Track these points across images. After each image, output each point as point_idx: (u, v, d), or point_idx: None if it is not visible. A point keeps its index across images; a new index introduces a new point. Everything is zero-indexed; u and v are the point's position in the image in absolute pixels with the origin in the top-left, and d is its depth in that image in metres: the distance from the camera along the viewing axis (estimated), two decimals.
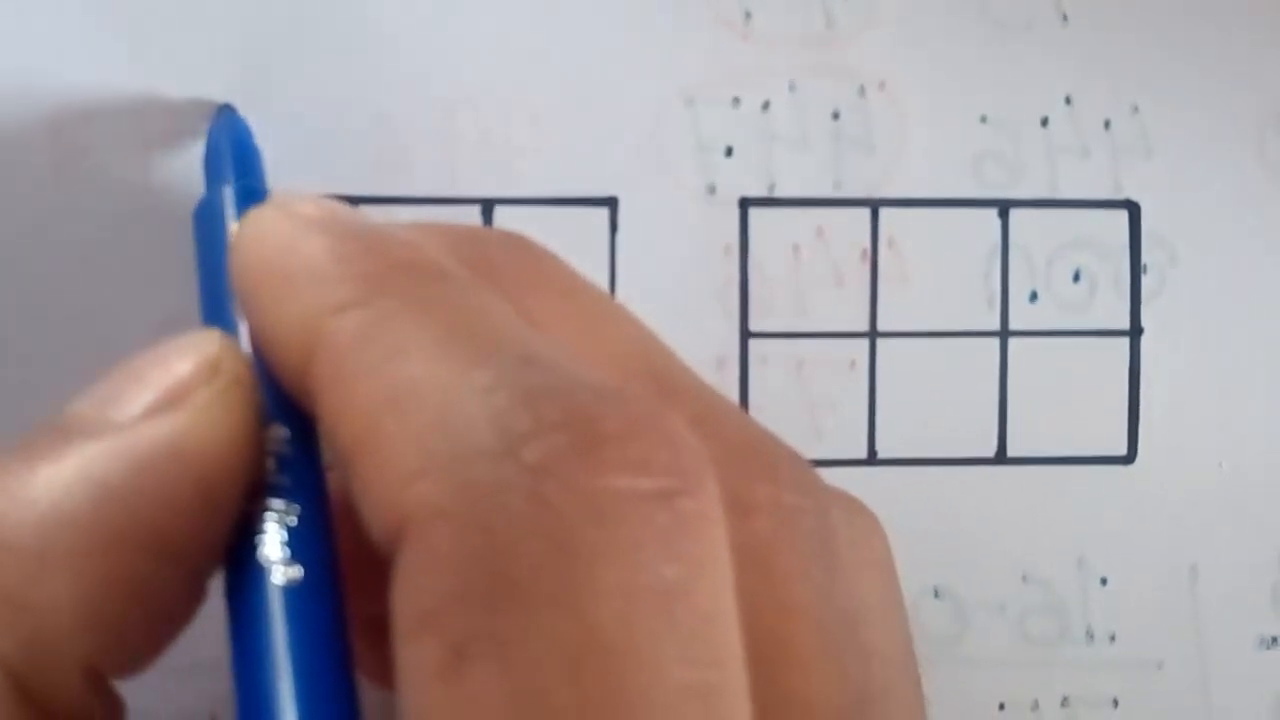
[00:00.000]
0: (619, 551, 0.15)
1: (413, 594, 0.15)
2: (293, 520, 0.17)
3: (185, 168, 0.25)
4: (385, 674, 0.17)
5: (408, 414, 0.16)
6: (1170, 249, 0.28)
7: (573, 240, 0.26)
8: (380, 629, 0.17)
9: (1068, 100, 0.28)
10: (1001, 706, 0.28)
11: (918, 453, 0.28)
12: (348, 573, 0.18)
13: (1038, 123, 0.28)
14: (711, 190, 0.27)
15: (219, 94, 0.25)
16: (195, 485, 0.17)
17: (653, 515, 0.15)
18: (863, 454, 0.28)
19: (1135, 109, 0.28)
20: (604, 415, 0.15)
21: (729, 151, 0.27)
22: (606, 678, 0.14)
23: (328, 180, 0.26)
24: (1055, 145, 0.28)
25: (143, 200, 0.25)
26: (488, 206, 0.26)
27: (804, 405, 0.27)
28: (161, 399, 0.17)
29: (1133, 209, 0.28)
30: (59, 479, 0.17)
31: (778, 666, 0.16)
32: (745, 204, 0.27)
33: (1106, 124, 0.28)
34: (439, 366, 0.16)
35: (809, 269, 0.27)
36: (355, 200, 0.26)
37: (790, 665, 0.16)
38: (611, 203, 0.27)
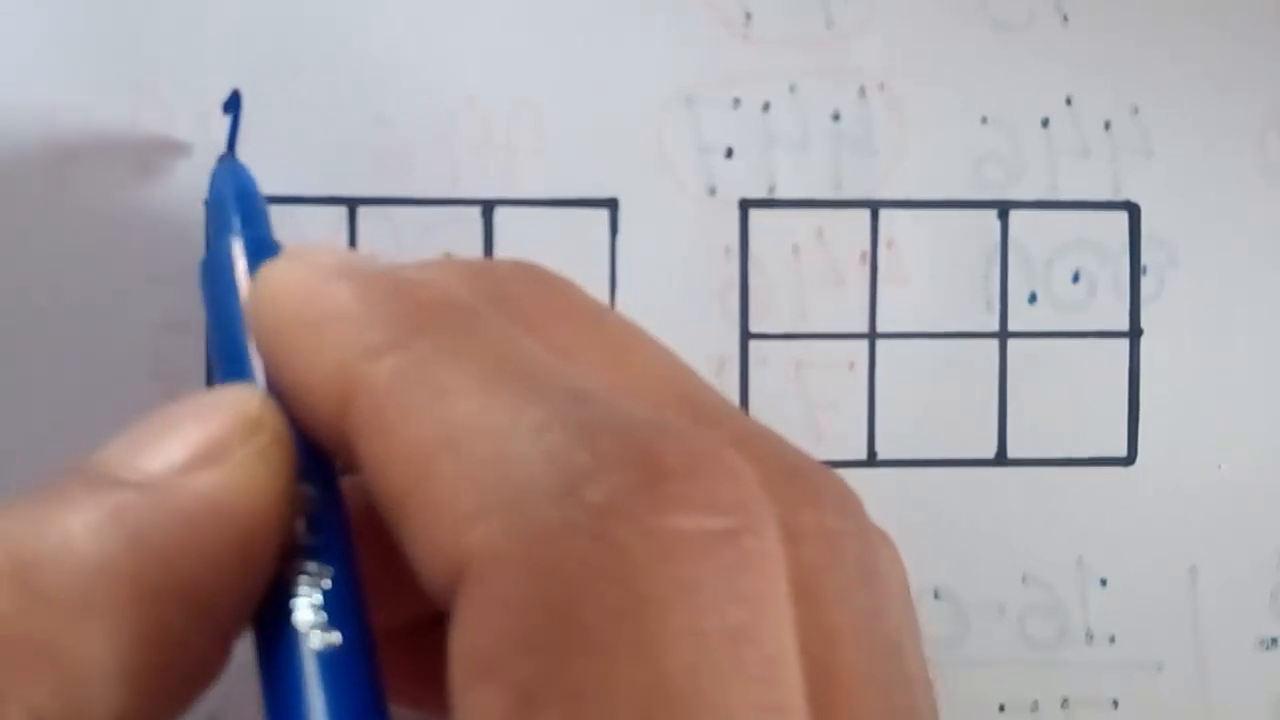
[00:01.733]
0: (686, 594, 0.14)
1: (475, 639, 0.15)
2: (326, 583, 0.17)
3: (185, 168, 0.25)
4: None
5: (461, 454, 0.15)
6: (1170, 250, 0.28)
7: (573, 241, 0.26)
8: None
9: (1068, 101, 0.28)
10: (1001, 708, 0.28)
11: (918, 453, 0.28)
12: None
13: (1038, 123, 0.28)
14: (712, 191, 0.27)
15: (219, 94, 0.25)
16: (234, 543, 0.17)
17: (718, 554, 0.15)
18: (863, 455, 0.28)
19: (1135, 109, 0.28)
20: (665, 450, 0.15)
21: (729, 152, 0.27)
22: None
23: (328, 180, 0.26)
24: (1055, 146, 0.28)
25: (143, 200, 0.25)
26: (488, 207, 0.26)
27: (804, 406, 0.27)
28: (199, 453, 0.17)
29: (1132, 210, 0.28)
30: (96, 526, 0.16)
31: (826, 696, 0.16)
32: (745, 205, 0.27)
33: (1106, 124, 0.28)
34: (488, 406, 0.16)
35: (809, 270, 0.27)
36: (355, 200, 0.26)
37: (838, 694, 0.16)
38: (611, 203, 0.27)
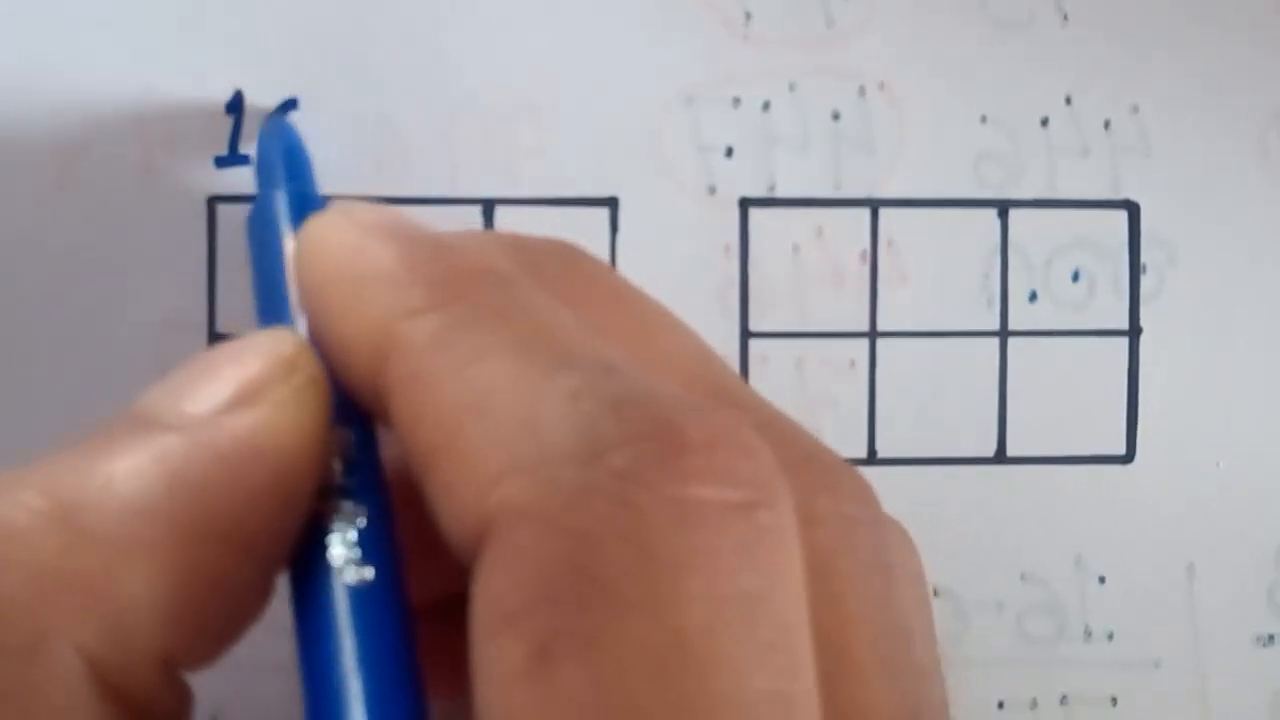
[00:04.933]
0: (703, 559, 0.15)
1: (497, 593, 0.15)
2: (361, 522, 0.17)
3: (185, 168, 0.25)
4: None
5: (492, 415, 0.16)
6: (1169, 249, 0.28)
7: (573, 240, 0.26)
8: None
9: (1068, 100, 0.28)
10: (1000, 705, 0.28)
11: (917, 452, 0.28)
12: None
13: (1038, 123, 0.28)
14: (711, 190, 0.27)
15: (219, 94, 0.25)
16: (272, 481, 0.17)
17: (734, 526, 0.15)
18: (862, 454, 0.28)
19: (1135, 109, 0.28)
20: (688, 424, 0.16)
21: (729, 152, 0.27)
22: (691, 683, 0.14)
23: (328, 180, 0.26)
24: (1055, 145, 0.28)
25: (143, 200, 0.25)
26: (488, 207, 0.26)
27: (804, 405, 0.27)
28: (238, 394, 0.17)
29: (1132, 209, 0.28)
30: (138, 469, 0.17)
31: (837, 678, 0.16)
32: (745, 204, 0.27)
33: (1106, 124, 0.28)
34: (522, 370, 0.16)
35: (809, 269, 0.27)
36: (356, 200, 0.26)
37: (849, 677, 0.16)
38: (612, 203, 0.27)
